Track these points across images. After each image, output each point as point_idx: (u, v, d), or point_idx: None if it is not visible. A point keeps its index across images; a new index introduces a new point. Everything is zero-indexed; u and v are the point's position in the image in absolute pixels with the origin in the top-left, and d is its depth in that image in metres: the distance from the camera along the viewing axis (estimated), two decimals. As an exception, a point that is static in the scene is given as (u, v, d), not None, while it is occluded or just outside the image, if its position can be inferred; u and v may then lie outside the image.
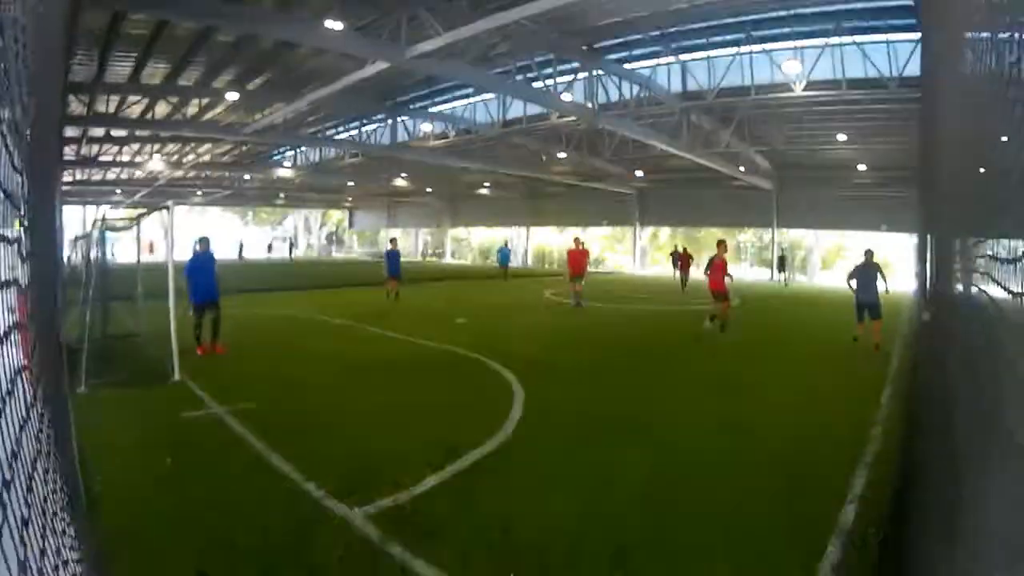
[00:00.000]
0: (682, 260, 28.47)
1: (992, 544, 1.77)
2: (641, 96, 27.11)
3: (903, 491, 5.75)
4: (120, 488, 5.96)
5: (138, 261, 15.05)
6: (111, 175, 51.51)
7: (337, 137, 40.77)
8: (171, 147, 44.30)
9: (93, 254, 14.95)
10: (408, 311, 17.00)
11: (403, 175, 50.65)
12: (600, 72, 25.02)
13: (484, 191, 57.82)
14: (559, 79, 23.57)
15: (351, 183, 58.31)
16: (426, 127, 38.20)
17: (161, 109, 31.50)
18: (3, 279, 1.54)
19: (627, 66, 26.42)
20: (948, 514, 2.83)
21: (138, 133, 37.69)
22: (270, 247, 79.51)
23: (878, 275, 15.63)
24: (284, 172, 48.20)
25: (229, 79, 28.12)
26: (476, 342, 14.73)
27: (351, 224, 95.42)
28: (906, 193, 35.28)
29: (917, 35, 18.69)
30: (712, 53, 26.08)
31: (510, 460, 6.89)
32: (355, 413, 8.74)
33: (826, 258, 50.60)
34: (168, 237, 11.56)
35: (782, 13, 21.72)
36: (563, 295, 25.99)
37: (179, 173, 47.91)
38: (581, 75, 24.47)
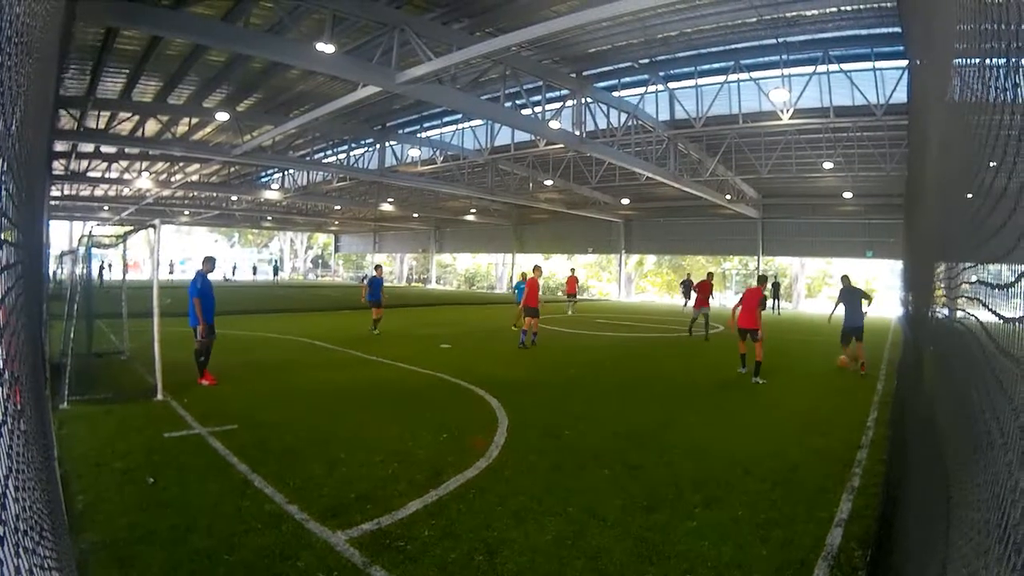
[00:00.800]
0: (700, 289, 23.69)
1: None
2: (629, 124, 27.27)
3: (889, 512, 5.77)
4: (101, 506, 5.91)
5: (124, 278, 15.02)
6: (99, 191, 51.38)
7: (325, 161, 40.83)
8: (160, 165, 44.26)
9: (79, 270, 14.89)
10: (392, 336, 16.96)
11: (390, 200, 50.73)
12: (588, 100, 25.15)
13: (470, 217, 57.93)
14: (547, 106, 23.67)
15: (338, 207, 58.30)
16: (414, 152, 38.37)
17: (151, 127, 31.56)
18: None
19: (615, 94, 26.62)
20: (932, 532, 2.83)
21: (127, 150, 37.67)
22: (255, 269, 79.26)
23: (862, 299, 16.09)
24: (271, 194, 48.14)
25: (220, 99, 28.22)
26: (460, 367, 14.71)
27: (337, 248, 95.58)
28: (891, 220, 35.68)
29: (904, 62, 18.89)
30: (700, 81, 26.33)
31: (494, 485, 6.85)
32: (338, 436, 8.68)
33: (811, 286, 50.93)
34: (154, 255, 11.51)
35: (770, 41, 21.93)
36: (553, 322, 25.85)
37: (167, 192, 47.80)
38: (569, 102, 24.59)
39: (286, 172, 46.16)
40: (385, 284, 23.39)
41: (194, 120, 30.41)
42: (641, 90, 26.99)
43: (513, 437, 8.84)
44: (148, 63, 22.85)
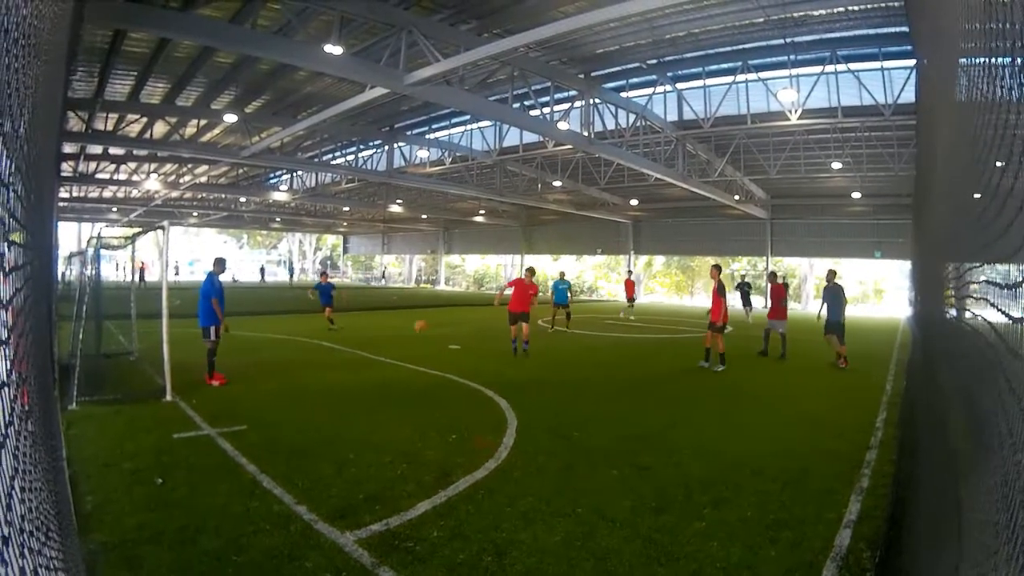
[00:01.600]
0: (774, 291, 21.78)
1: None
2: (637, 125, 27.22)
3: (898, 513, 5.75)
4: (110, 507, 5.92)
5: (132, 280, 15.08)
6: (107, 193, 51.49)
7: (334, 162, 40.85)
8: (168, 167, 44.32)
9: (88, 271, 14.94)
10: (401, 337, 16.95)
11: (399, 201, 50.74)
12: (597, 100, 25.10)
13: (479, 218, 57.87)
14: (556, 107, 23.65)
15: (347, 208, 58.33)
16: (423, 153, 38.30)
17: (159, 128, 31.62)
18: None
19: (624, 95, 26.58)
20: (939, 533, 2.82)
21: (136, 152, 37.74)
22: (262, 271, 79.09)
23: (843, 296, 17.18)
24: (280, 196, 48.18)
25: (228, 101, 28.27)
26: (469, 368, 14.71)
27: (346, 249, 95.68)
28: (900, 220, 35.59)
29: (912, 62, 18.83)
30: (708, 82, 26.29)
31: (503, 486, 6.85)
32: (347, 437, 8.69)
33: (820, 286, 50.80)
34: (163, 257, 11.55)
35: (778, 42, 21.88)
36: (556, 322, 25.81)
37: (175, 193, 47.88)
38: (578, 103, 24.55)
39: (295, 173, 46.17)
40: (392, 285, 23.63)
41: (202, 122, 30.44)
42: (649, 91, 26.95)
43: (522, 438, 8.83)
44: (156, 65, 22.90)
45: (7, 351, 1.80)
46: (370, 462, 7.54)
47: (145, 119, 29.97)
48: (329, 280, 23.92)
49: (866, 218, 40.82)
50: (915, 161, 18.03)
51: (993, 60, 1.91)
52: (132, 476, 6.85)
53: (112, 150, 37.37)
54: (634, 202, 46.06)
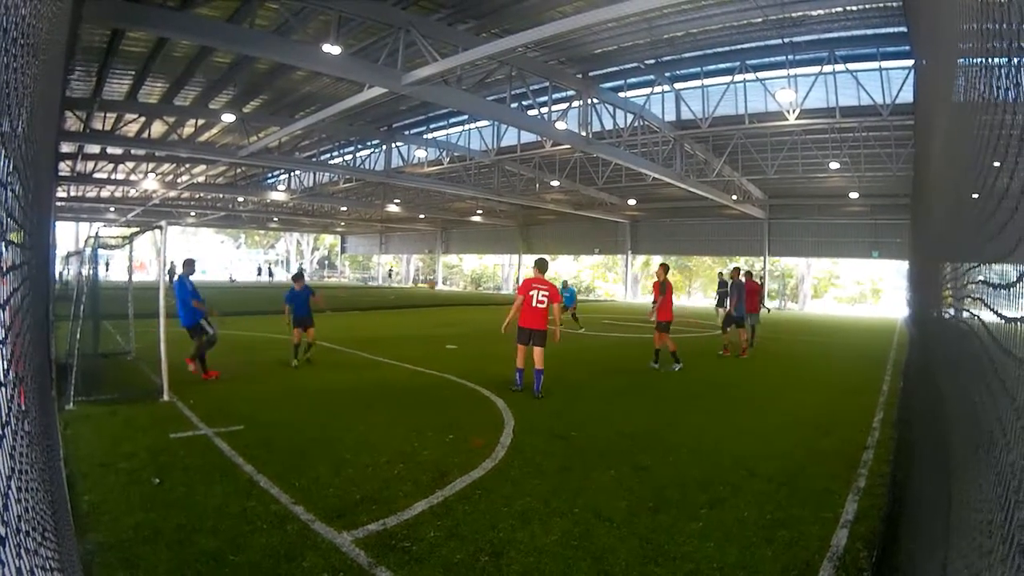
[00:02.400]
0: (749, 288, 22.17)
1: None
2: (635, 125, 27.25)
3: (895, 513, 5.75)
4: (107, 506, 5.91)
5: (129, 279, 15.05)
6: (105, 192, 51.49)
7: (332, 162, 40.88)
8: (166, 167, 44.36)
9: (85, 271, 14.92)
10: (398, 337, 16.90)
11: (396, 201, 50.76)
12: (595, 100, 25.13)
13: (477, 218, 57.93)
14: (554, 107, 23.67)
15: (344, 208, 58.36)
16: (420, 153, 38.37)
17: (157, 128, 31.65)
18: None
19: (621, 94, 26.63)
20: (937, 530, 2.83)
21: (134, 151, 37.77)
22: (259, 271, 78.88)
23: (745, 292, 18.62)
24: (278, 195, 48.21)
25: (226, 101, 28.30)
26: (466, 368, 14.72)
27: (343, 249, 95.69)
28: (898, 221, 35.66)
29: (910, 62, 18.87)
30: (706, 82, 26.35)
31: (500, 486, 6.84)
32: (344, 437, 8.68)
33: (818, 287, 50.88)
34: (161, 257, 11.56)
35: (776, 42, 21.91)
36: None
37: (173, 193, 47.89)
38: (576, 103, 24.58)
39: (292, 173, 46.24)
40: (393, 285, 23.39)
41: (200, 121, 30.52)
42: (647, 91, 27.00)
43: (519, 438, 8.82)
44: (154, 64, 22.92)
45: (4, 351, 1.80)
46: (367, 462, 7.53)
47: (143, 119, 30.05)
48: (307, 285, 16.18)
49: (864, 218, 40.92)
50: (913, 161, 18.08)
51: (990, 60, 1.91)
52: (129, 476, 6.84)
53: (110, 149, 37.46)
54: (632, 202, 46.14)
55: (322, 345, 18.16)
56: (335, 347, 18.05)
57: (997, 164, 1.76)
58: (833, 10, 18.82)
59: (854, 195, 38.30)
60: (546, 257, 13.75)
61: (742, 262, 50.86)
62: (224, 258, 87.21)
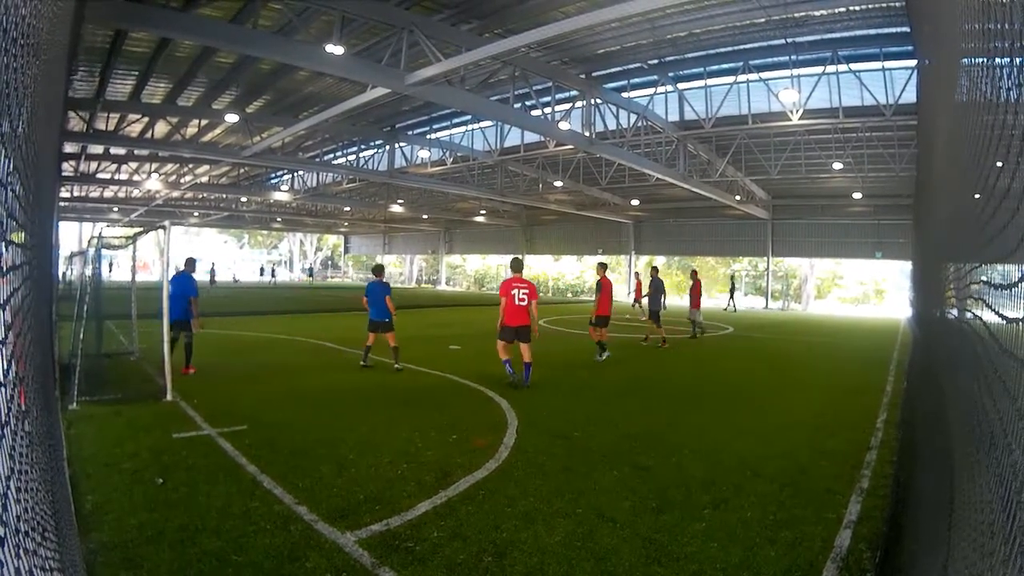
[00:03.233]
0: (694, 286, 23.97)
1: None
2: (638, 125, 27.24)
3: (898, 513, 5.74)
4: (110, 506, 5.92)
5: (133, 279, 15.08)
6: (108, 193, 51.55)
7: (335, 162, 40.91)
8: (169, 167, 44.40)
9: (88, 271, 14.95)
10: (401, 338, 16.88)
11: (400, 201, 50.77)
12: (598, 101, 25.11)
13: (480, 218, 57.91)
14: (557, 107, 23.66)
15: (348, 208, 58.38)
16: (424, 153, 38.35)
17: (161, 128, 31.68)
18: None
19: (625, 95, 26.63)
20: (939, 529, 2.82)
21: (137, 152, 37.81)
22: (262, 271, 78.56)
23: (663, 288, 20.49)
24: (281, 196, 48.24)
25: (229, 101, 28.32)
26: (470, 368, 14.71)
27: (347, 249, 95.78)
28: (901, 221, 35.63)
29: (913, 62, 18.85)
30: (709, 82, 26.34)
31: (503, 486, 6.84)
32: (347, 437, 8.68)
33: (821, 287, 50.82)
34: (164, 257, 11.56)
35: (779, 42, 21.90)
36: (559, 323, 25.77)
37: (176, 193, 47.94)
38: (579, 103, 24.56)
39: (296, 173, 46.26)
40: (394, 285, 23.23)
41: (203, 122, 30.50)
42: (650, 91, 27.02)
43: (522, 438, 8.83)
44: (157, 65, 22.95)
45: (4, 351, 1.80)
46: (370, 462, 7.53)
47: (146, 119, 30.09)
48: (385, 282, 15.20)
49: (867, 218, 40.87)
50: (916, 161, 18.07)
51: (992, 61, 1.91)
52: (132, 476, 6.84)
53: (113, 150, 37.48)
54: (635, 202, 46.13)
55: (326, 346, 18.19)
56: (338, 347, 18.05)
57: (999, 164, 1.75)
58: (836, 10, 18.81)
59: (857, 195, 38.27)
60: (520, 256, 15.19)
61: (746, 262, 51.05)
62: (228, 258, 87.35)
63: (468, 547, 5.30)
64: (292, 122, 27.38)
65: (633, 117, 26.92)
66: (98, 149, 37.44)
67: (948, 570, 2.33)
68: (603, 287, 17.34)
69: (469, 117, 33.89)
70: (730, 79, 24.87)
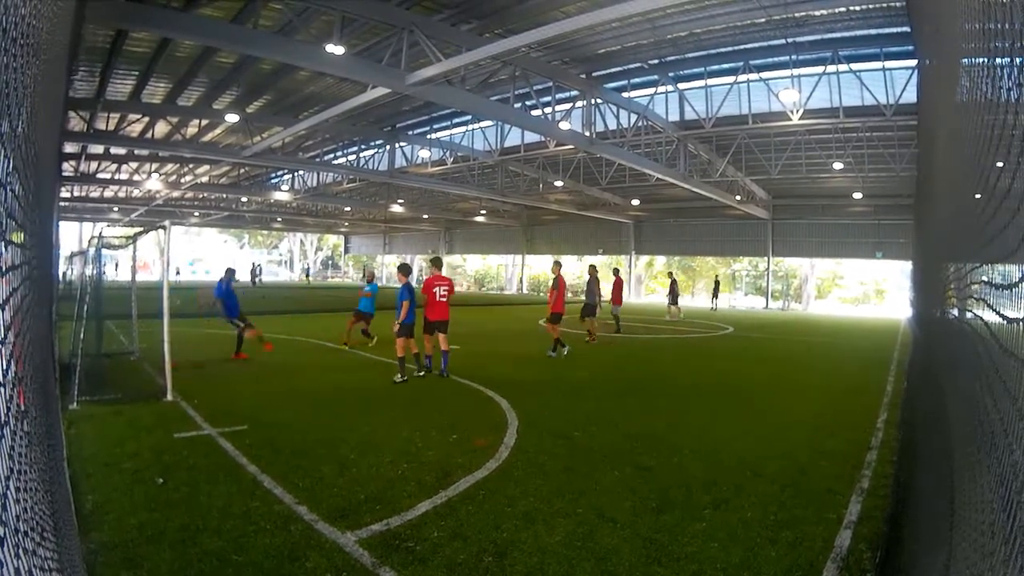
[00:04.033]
0: (616, 283, 25.37)
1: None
2: (639, 125, 27.24)
3: (899, 513, 5.74)
4: (111, 506, 5.92)
5: (133, 279, 15.08)
6: (109, 192, 51.55)
7: (335, 162, 40.91)
8: (169, 167, 44.42)
9: (88, 271, 14.95)
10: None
11: (400, 201, 50.77)
12: (598, 100, 25.12)
13: (480, 218, 57.92)
14: (557, 107, 23.65)
15: (348, 208, 58.39)
16: (424, 153, 38.35)
17: (161, 128, 31.68)
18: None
19: (625, 95, 26.63)
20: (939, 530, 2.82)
21: (137, 151, 37.82)
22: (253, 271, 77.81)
23: (598, 286, 21.48)
24: (281, 195, 48.26)
25: (229, 101, 28.32)
26: (470, 368, 14.67)
27: (347, 249, 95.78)
28: (901, 221, 35.64)
29: (914, 62, 18.84)
30: (710, 82, 26.33)
31: (503, 486, 6.84)
32: (347, 437, 8.67)
33: (821, 287, 50.80)
34: (164, 257, 11.56)
35: (780, 42, 21.90)
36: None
37: (176, 193, 47.94)
38: (579, 103, 24.57)
39: (296, 173, 46.28)
40: (394, 285, 23.17)
41: (204, 122, 30.51)
42: (651, 91, 27.02)
43: (523, 438, 8.82)
44: (157, 65, 22.95)
45: (3, 351, 1.80)
46: (371, 462, 7.53)
47: (146, 119, 30.11)
48: (408, 283, 14.28)
49: (867, 218, 40.88)
50: (916, 161, 18.08)
51: (993, 61, 1.90)
52: (133, 476, 6.84)
53: (113, 150, 37.49)
54: (635, 202, 46.14)
55: (325, 345, 18.19)
56: (338, 347, 18.04)
57: (1000, 164, 1.75)
58: (836, 10, 18.82)
59: (858, 195, 38.29)
60: (439, 255, 17.55)
61: (745, 262, 50.99)
62: (231, 258, 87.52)
63: (468, 547, 5.30)
64: (292, 122, 27.40)
65: (633, 117, 26.94)
66: (98, 149, 37.44)
67: (949, 570, 2.33)
68: (558, 285, 17.82)
69: (469, 117, 33.89)
70: (730, 79, 24.88)
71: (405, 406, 10.87)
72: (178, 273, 62.79)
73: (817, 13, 19.09)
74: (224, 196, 53.93)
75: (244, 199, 55.36)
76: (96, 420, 9.24)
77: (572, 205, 48.20)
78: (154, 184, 43.85)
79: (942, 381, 4.42)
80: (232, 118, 27.34)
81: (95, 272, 14.50)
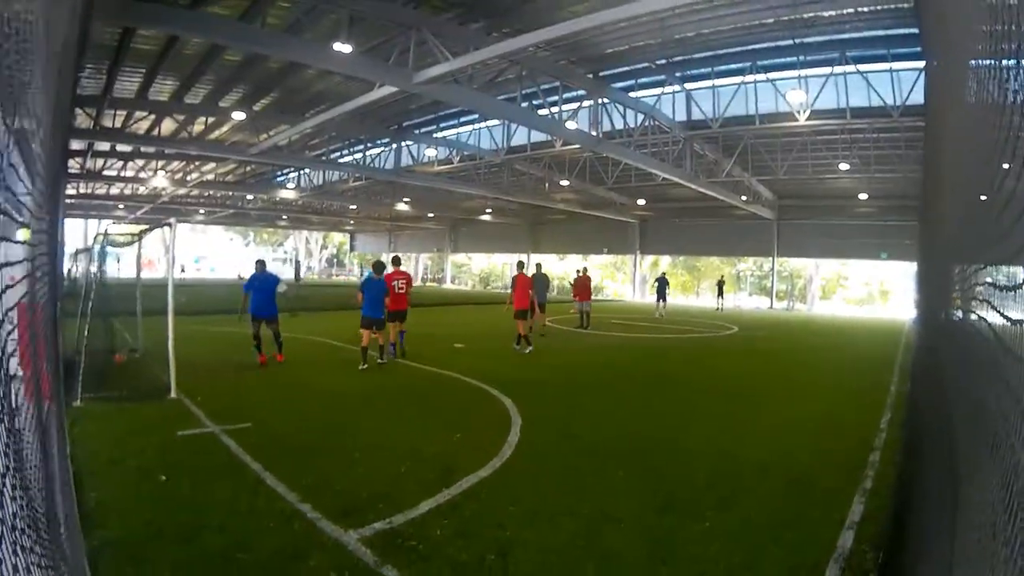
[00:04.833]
0: (581, 280, 26.30)
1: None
2: (645, 125, 27.21)
3: (902, 514, 5.73)
4: (114, 504, 5.93)
5: (138, 276, 15.09)
6: (115, 190, 51.61)
7: (341, 160, 40.90)
8: (175, 164, 44.45)
9: (93, 268, 14.96)
10: (407, 336, 16.91)
11: (406, 200, 50.75)
12: (605, 100, 25.10)
13: (486, 217, 57.92)
14: (564, 107, 23.64)
15: (353, 207, 58.39)
16: (430, 152, 38.31)
17: (167, 126, 31.68)
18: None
19: (632, 94, 26.57)
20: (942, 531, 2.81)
21: (143, 149, 37.86)
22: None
23: (546, 283, 23.14)
24: (287, 193, 48.28)
25: (236, 99, 28.29)
26: (474, 367, 14.67)
27: (352, 247, 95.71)
28: (907, 222, 35.52)
29: (921, 63, 18.78)
30: (717, 82, 26.27)
31: (507, 485, 6.84)
32: (351, 435, 8.68)
33: (826, 287, 50.71)
34: (169, 254, 11.57)
35: (787, 42, 21.86)
36: (561, 321, 25.78)
37: (182, 191, 47.98)
38: (586, 103, 24.56)
39: (302, 171, 46.27)
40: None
41: (210, 119, 30.53)
42: (658, 91, 26.96)
43: (526, 437, 8.82)
44: (165, 63, 22.93)
45: (6, 349, 1.80)
46: (374, 460, 7.54)
47: (153, 116, 30.12)
48: (381, 279, 15.14)
49: (873, 219, 40.76)
50: (923, 163, 18.06)
51: (1000, 62, 1.90)
52: (136, 473, 6.86)
53: (120, 147, 37.46)
54: (641, 202, 46.04)
55: (329, 343, 18.20)
56: (342, 345, 18.04)
57: (1006, 166, 1.75)
58: (844, 11, 18.76)
59: (864, 196, 38.20)
60: (399, 255, 18.93)
61: (751, 262, 50.88)
62: (232, 258, 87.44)
63: (471, 546, 5.30)
64: (299, 120, 27.40)
65: (640, 117, 26.89)
66: (105, 146, 37.39)
67: (952, 571, 2.33)
68: (517, 283, 18.63)
69: (476, 116, 33.81)
70: (738, 79, 24.85)
71: (409, 404, 10.88)
72: (183, 271, 62.87)
73: (825, 14, 19.03)
74: (230, 194, 53.89)
75: (250, 197, 55.32)
76: (100, 417, 9.25)
77: (578, 204, 48.14)
78: (160, 181, 43.88)
79: (946, 382, 4.41)
80: (239, 116, 27.37)
81: (100, 269, 14.52)
